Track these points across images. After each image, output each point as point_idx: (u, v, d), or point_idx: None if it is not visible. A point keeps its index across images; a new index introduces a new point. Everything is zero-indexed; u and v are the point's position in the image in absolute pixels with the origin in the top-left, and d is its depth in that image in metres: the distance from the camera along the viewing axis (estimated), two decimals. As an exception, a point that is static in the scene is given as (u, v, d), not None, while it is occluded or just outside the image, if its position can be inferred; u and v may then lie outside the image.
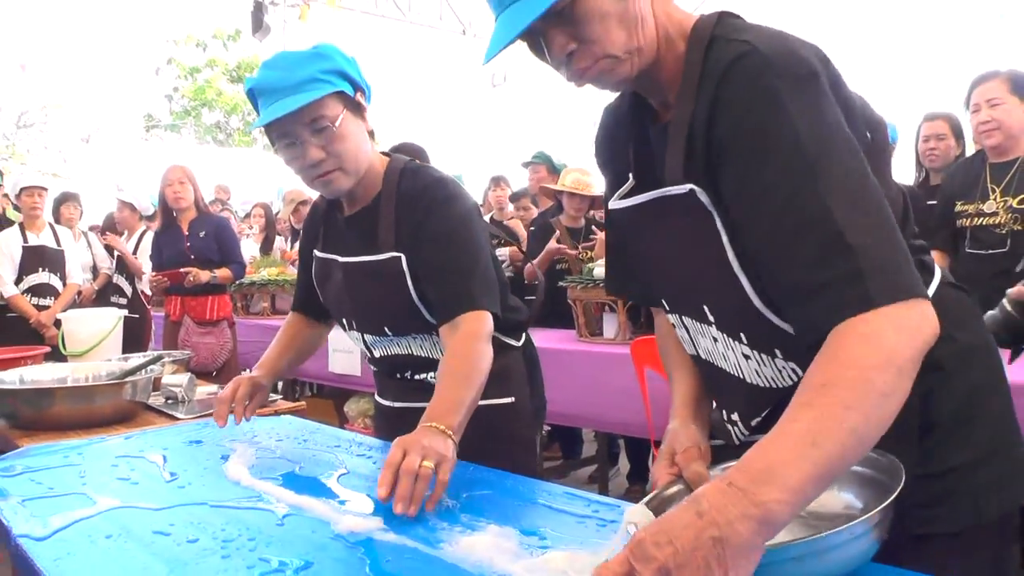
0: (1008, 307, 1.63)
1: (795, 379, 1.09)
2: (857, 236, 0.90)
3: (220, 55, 26.06)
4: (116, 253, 6.33)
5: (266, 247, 7.04)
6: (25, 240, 5.43)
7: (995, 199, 3.02)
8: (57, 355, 3.24)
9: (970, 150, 3.91)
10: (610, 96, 1.29)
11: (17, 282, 5.36)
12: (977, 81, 3.13)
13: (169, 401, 2.41)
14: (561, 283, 4.04)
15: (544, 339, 1.93)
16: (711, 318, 1.15)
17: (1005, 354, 1.39)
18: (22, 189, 5.52)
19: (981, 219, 3.04)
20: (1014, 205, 2.96)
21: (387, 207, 1.70)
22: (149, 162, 12.48)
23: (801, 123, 0.94)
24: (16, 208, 5.96)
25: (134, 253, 6.25)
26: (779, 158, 0.95)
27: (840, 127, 0.96)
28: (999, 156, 3.09)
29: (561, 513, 1.26)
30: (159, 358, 2.57)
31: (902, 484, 0.91)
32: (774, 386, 1.13)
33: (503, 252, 5.26)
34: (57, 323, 4.12)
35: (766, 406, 1.15)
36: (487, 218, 5.60)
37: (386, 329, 1.76)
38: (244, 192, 11.68)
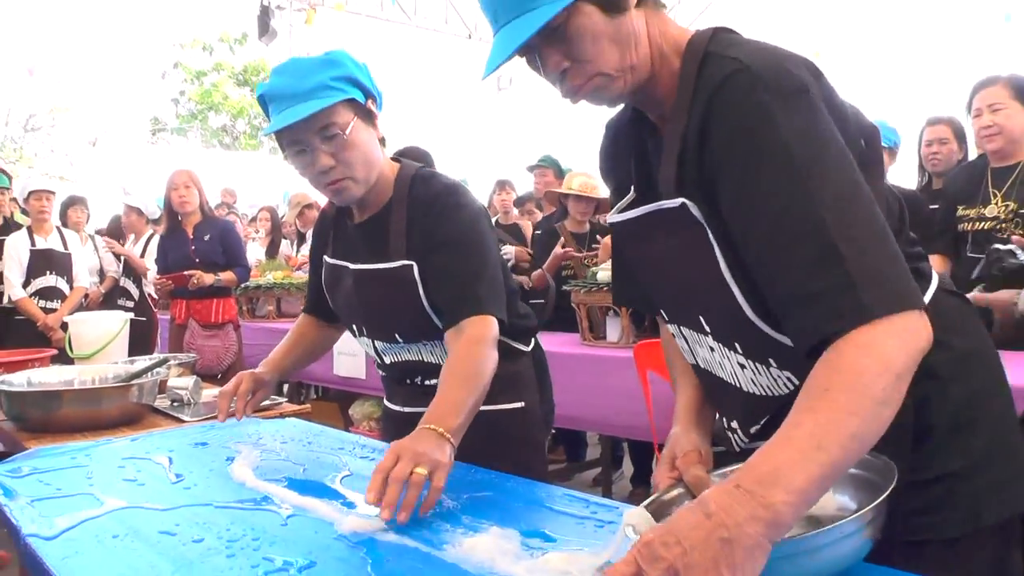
0: None
1: (791, 388, 1.11)
2: (851, 247, 0.91)
3: (226, 59, 26.15)
4: (123, 256, 6.37)
5: (272, 251, 7.08)
6: (33, 243, 5.46)
7: (996, 203, 3.02)
8: (64, 358, 3.26)
9: (973, 154, 3.91)
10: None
11: (25, 285, 5.39)
12: (979, 86, 3.14)
13: (175, 404, 2.42)
14: (565, 287, 4.06)
15: (548, 343, 1.95)
16: (707, 328, 1.17)
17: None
18: (30, 193, 5.56)
19: (982, 223, 3.04)
20: (1015, 209, 2.96)
21: (398, 214, 1.70)
22: (155, 165, 12.51)
23: (792, 136, 0.96)
24: (24, 212, 6.00)
25: (141, 257, 6.28)
26: (772, 171, 0.96)
27: (832, 139, 0.98)
28: (1001, 160, 3.09)
29: (562, 514, 1.27)
30: (165, 361, 2.59)
31: (893, 484, 0.92)
32: (770, 394, 1.14)
33: (508, 251, 5.26)
34: (64, 326, 4.14)
35: (764, 414, 1.17)
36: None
37: (397, 336, 1.76)
38: (250, 196, 11.72)
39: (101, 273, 6.70)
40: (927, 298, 1.11)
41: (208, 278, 4.71)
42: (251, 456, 1.65)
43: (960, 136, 4.01)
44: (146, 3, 27.56)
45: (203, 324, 4.83)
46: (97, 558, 1.11)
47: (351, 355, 4.55)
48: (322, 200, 6.76)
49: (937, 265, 2.75)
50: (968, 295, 1.67)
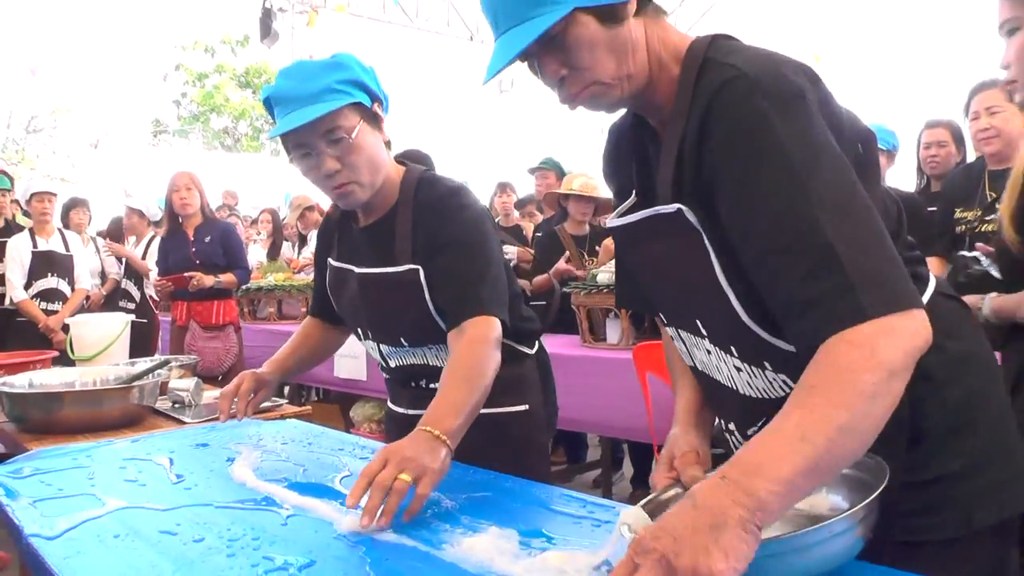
0: None
1: (786, 391, 1.12)
2: (848, 250, 0.92)
3: (228, 61, 26.16)
4: (124, 258, 6.38)
5: (273, 253, 7.08)
6: (35, 245, 5.48)
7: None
8: (65, 359, 3.27)
9: (971, 157, 3.92)
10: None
11: (26, 287, 5.41)
12: (976, 89, 3.15)
13: (176, 405, 2.43)
14: (565, 289, 4.07)
15: (549, 344, 1.96)
16: (704, 332, 1.18)
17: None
18: (32, 195, 5.58)
19: (980, 226, 3.05)
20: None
21: (404, 218, 1.70)
22: (157, 167, 12.54)
23: (789, 142, 0.97)
24: (26, 214, 6.02)
25: (143, 259, 6.29)
26: (769, 176, 0.97)
27: (828, 144, 0.99)
28: (998, 163, 3.10)
29: (560, 514, 1.28)
30: (166, 363, 2.60)
31: (884, 483, 0.93)
32: (766, 397, 1.15)
33: (510, 251, 5.27)
34: (65, 328, 4.16)
35: (760, 416, 1.17)
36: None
37: (402, 340, 1.76)
38: (252, 198, 11.73)
39: (102, 275, 6.71)
40: (924, 300, 1.12)
41: (208, 280, 4.72)
42: (252, 457, 1.66)
43: (958, 139, 4.02)
44: (148, 5, 27.61)
45: (204, 326, 4.84)
46: (98, 558, 1.12)
47: (352, 357, 4.56)
48: (324, 202, 6.73)
49: (935, 267, 2.75)
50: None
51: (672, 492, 1.14)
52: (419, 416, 1.40)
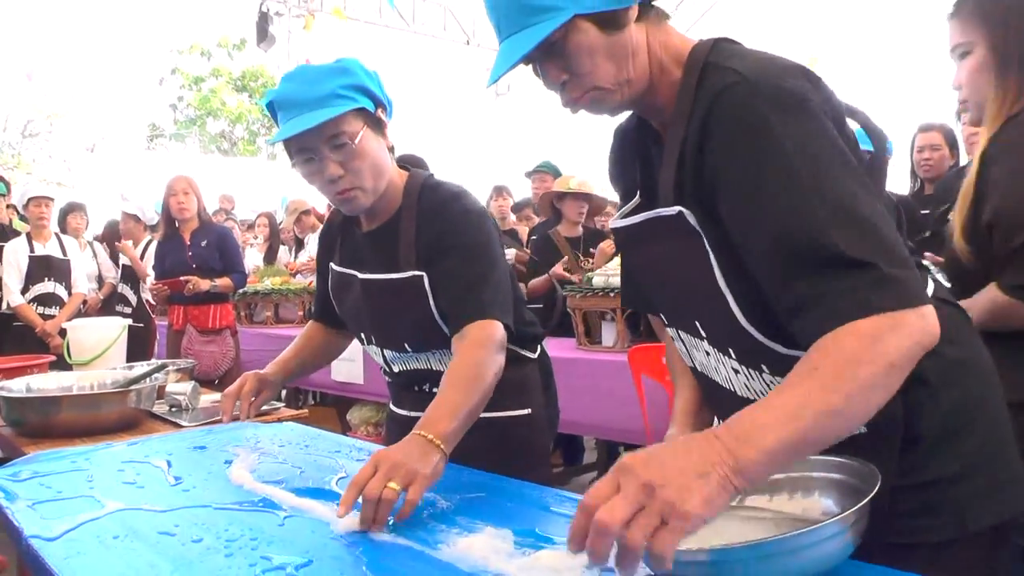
0: None
1: None
2: (856, 251, 0.94)
3: (225, 64, 26.16)
4: (121, 263, 6.39)
5: (270, 256, 7.09)
6: (32, 250, 5.49)
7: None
8: (63, 364, 3.29)
9: (964, 160, 3.95)
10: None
11: (24, 291, 5.42)
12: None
13: (173, 409, 2.44)
14: (558, 292, 4.09)
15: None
16: (703, 333, 1.19)
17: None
18: (30, 199, 5.58)
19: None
20: None
21: (408, 224, 1.69)
22: (154, 171, 12.52)
23: (789, 144, 0.98)
24: (22, 218, 6.02)
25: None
26: (772, 179, 0.99)
27: (833, 144, 1.00)
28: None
29: (554, 514, 1.29)
30: (163, 367, 2.61)
31: (876, 489, 0.94)
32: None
33: (508, 253, 5.28)
34: (62, 332, 4.17)
35: None
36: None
37: (406, 345, 1.76)
38: (249, 202, 11.73)
39: (99, 279, 6.72)
40: None
41: (204, 284, 4.73)
42: (249, 459, 1.67)
43: (952, 142, 4.04)
44: (144, 9, 27.60)
45: (200, 330, 4.86)
46: (98, 558, 1.13)
47: (349, 360, 4.57)
48: (320, 206, 6.72)
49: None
50: None
51: None
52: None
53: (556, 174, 5.86)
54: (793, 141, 0.99)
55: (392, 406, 1.96)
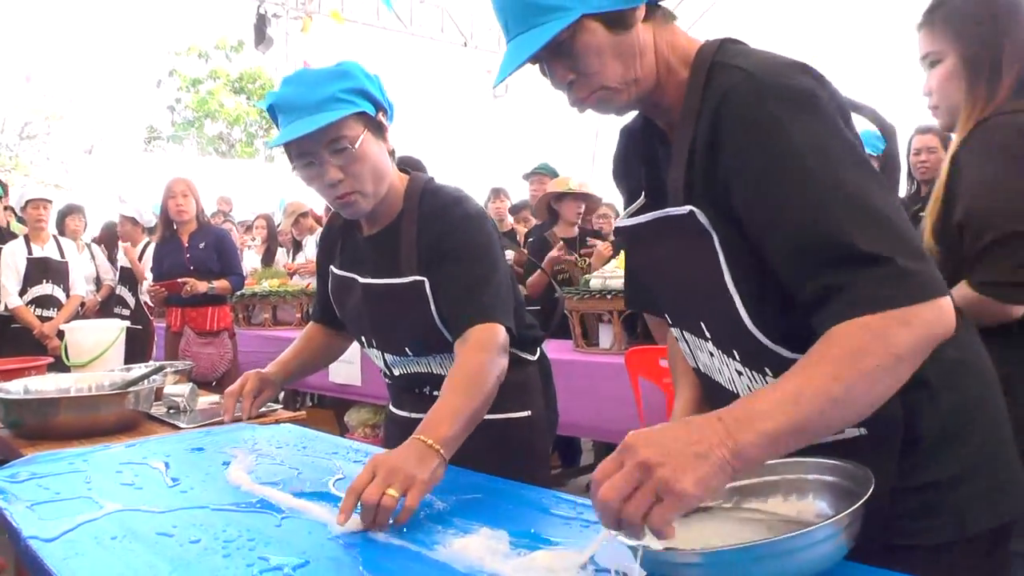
0: None
1: None
2: (872, 245, 0.95)
3: (222, 66, 26.15)
4: (119, 264, 6.39)
5: (268, 258, 7.09)
6: (30, 252, 5.49)
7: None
8: (60, 366, 3.29)
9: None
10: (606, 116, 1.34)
11: (21, 293, 5.42)
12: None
13: (171, 411, 2.45)
14: (557, 294, 4.09)
15: (542, 349, 2.00)
16: (707, 334, 1.20)
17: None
18: (28, 202, 5.60)
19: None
20: None
21: (408, 228, 1.69)
22: (151, 174, 12.51)
23: (802, 142, 1.00)
24: (20, 220, 6.03)
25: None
26: (786, 178, 1.00)
27: (843, 139, 1.01)
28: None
29: (549, 515, 1.30)
30: (161, 368, 2.61)
31: (869, 492, 0.94)
32: None
33: (508, 255, 5.29)
34: (60, 334, 4.17)
35: None
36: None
37: (407, 349, 1.76)
38: (246, 203, 11.73)
39: (97, 281, 6.72)
40: None
41: (202, 286, 4.73)
42: (247, 460, 1.68)
43: (947, 145, 4.04)
44: (142, 11, 27.60)
45: (198, 332, 4.86)
46: (96, 559, 1.14)
47: (347, 362, 4.56)
48: (318, 208, 6.72)
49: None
50: None
51: None
52: (421, 420, 1.40)
53: (554, 176, 5.87)
54: (804, 138, 1.00)
55: (392, 407, 1.96)
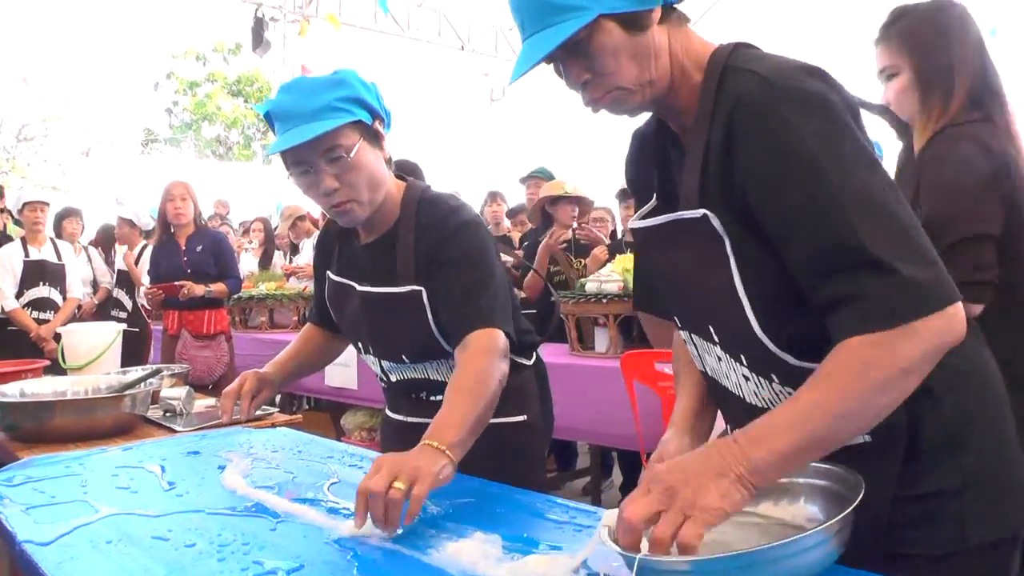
0: None
1: None
2: (883, 251, 0.96)
3: (220, 69, 26.17)
4: (116, 267, 6.39)
5: (265, 261, 7.10)
6: (27, 254, 5.49)
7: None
8: (57, 369, 3.28)
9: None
10: (604, 116, 1.35)
11: (18, 296, 5.42)
12: None
13: (167, 414, 2.45)
14: (553, 298, 4.09)
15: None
16: (716, 338, 1.20)
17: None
18: (25, 204, 5.60)
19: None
20: None
21: (406, 237, 1.68)
22: (149, 176, 12.52)
23: (816, 146, 1.00)
24: (17, 223, 6.03)
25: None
26: (800, 182, 1.01)
27: (856, 143, 1.02)
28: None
29: (543, 520, 1.31)
30: (158, 371, 2.62)
31: (859, 498, 0.95)
32: (772, 408, 1.16)
33: (506, 259, 5.30)
34: (57, 337, 4.17)
35: None
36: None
37: (404, 357, 1.77)
38: (244, 206, 11.73)
39: (94, 284, 6.72)
40: None
41: (199, 289, 4.73)
42: (242, 464, 1.68)
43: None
44: (140, 13, 27.58)
45: (195, 335, 4.86)
46: (92, 563, 1.14)
47: (343, 366, 4.57)
48: (316, 212, 6.70)
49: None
50: None
51: None
52: (418, 423, 1.39)
53: (550, 180, 5.87)
54: (818, 142, 1.00)
55: (388, 411, 1.96)
